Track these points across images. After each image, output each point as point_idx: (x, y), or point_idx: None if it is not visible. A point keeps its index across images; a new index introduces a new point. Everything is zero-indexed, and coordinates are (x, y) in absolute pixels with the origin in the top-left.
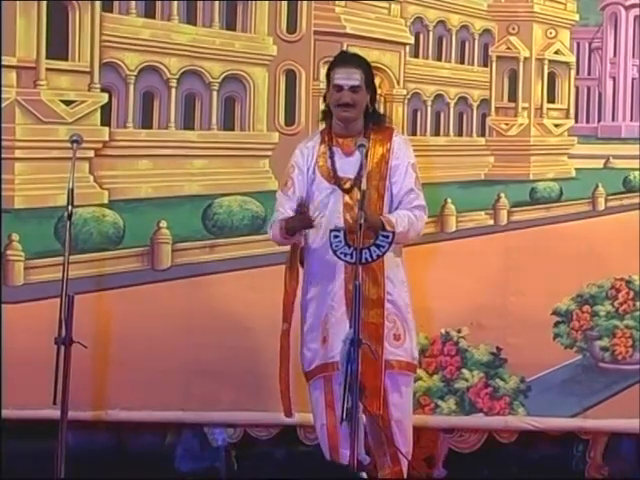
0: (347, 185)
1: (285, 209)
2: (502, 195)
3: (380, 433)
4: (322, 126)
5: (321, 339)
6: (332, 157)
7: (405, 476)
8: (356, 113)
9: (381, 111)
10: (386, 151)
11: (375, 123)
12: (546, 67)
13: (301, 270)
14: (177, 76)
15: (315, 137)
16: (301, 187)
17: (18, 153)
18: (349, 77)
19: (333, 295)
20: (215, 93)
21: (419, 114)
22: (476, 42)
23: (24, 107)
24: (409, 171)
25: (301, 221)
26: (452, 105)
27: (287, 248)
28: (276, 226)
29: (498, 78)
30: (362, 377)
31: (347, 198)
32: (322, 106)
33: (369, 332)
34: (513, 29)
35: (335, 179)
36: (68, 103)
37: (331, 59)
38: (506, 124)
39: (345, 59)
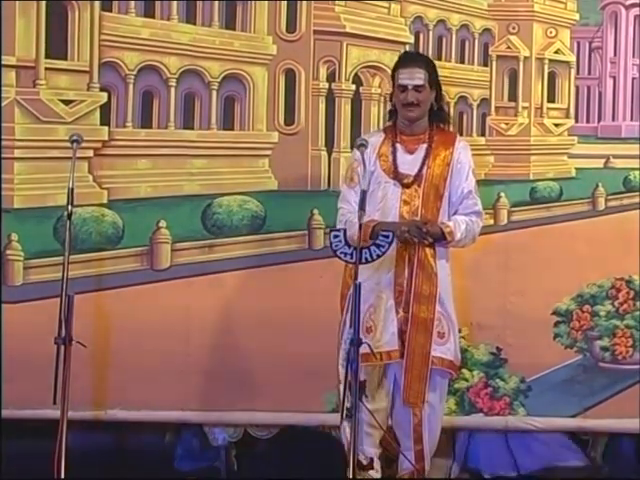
0: (407, 181)
1: (352, 204)
2: (502, 195)
3: (409, 429)
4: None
5: (364, 329)
6: (394, 153)
7: (426, 474)
8: (420, 112)
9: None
10: (449, 154)
11: (440, 122)
12: (546, 66)
13: None
14: (176, 75)
15: (379, 133)
16: (365, 182)
17: (17, 153)
18: (412, 77)
19: (383, 287)
20: (215, 92)
21: None
22: (476, 41)
23: (23, 106)
24: (470, 175)
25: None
26: (452, 104)
27: (286, 247)
28: (353, 228)
29: (498, 77)
30: (406, 369)
31: (405, 194)
32: (389, 106)
33: (418, 327)
34: (513, 28)
35: (395, 174)
36: (67, 102)
37: (330, 58)
38: (506, 124)
39: (408, 59)
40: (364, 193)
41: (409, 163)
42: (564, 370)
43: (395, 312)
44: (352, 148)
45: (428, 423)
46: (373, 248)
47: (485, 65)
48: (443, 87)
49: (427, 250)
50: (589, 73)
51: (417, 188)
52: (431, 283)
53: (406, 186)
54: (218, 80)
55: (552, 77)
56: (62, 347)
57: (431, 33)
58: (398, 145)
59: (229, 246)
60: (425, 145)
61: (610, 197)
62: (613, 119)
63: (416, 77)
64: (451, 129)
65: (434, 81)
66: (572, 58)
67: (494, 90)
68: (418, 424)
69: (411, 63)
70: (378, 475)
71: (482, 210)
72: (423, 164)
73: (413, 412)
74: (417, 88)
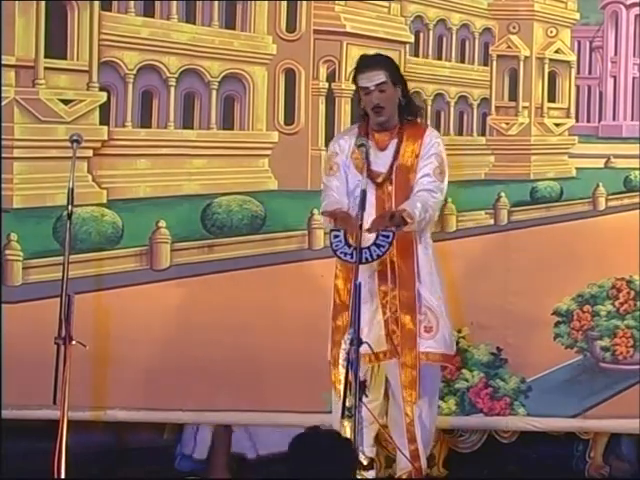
0: (379, 179)
1: (334, 191)
2: (502, 195)
3: (403, 429)
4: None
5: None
6: (366, 151)
7: (424, 473)
8: (389, 114)
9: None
10: (417, 146)
11: (410, 115)
12: (547, 66)
13: None
14: (176, 75)
15: (352, 130)
16: (345, 170)
17: (17, 152)
18: (371, 78)
19: (368, 290)
20: (214, 92)
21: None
22: (476, 41)
23: (23, 106)
24: (431, 160)
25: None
26: (452, 104)
27: (286, 247)
28: (326, 218)
29: (498, 77)
30: (399, 368)
31: (379, 192)
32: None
33: (402, 327)
34: (514, 28)
35: (368, 172)
36: (67, 102)
37: (330, 58)
38: (506, 123)
39: (365, 62)
40: (364, 193)
41: (381, 160)
42: (564, 370)
43: (382, 313)
44: None
45: (420, 422)
46: (373, 248)
47: (485, 65)
48: (444, 86)
49: (405, 251)
50: (590, 73)
51: (389, 185)
52: (409, 287)
53: (378, 185)
54: (218, 80)
55: (552, 77)
56: (62, 347)
57: (431, 32)
58: (370, 142)
59: (229, 246)
60: (396, 140)
61: (610, 197)
62: (614, 119)
63: (375, 78)
64: (428, 121)
65: (397, 78)
66: (572, 57)
67: (494, 90)
68: (410, 423)
69: (368, 67)
70: (373, 475)
71: (442, 186)
72: (394, 160)
73: (405, 412)
74: (380, 88)
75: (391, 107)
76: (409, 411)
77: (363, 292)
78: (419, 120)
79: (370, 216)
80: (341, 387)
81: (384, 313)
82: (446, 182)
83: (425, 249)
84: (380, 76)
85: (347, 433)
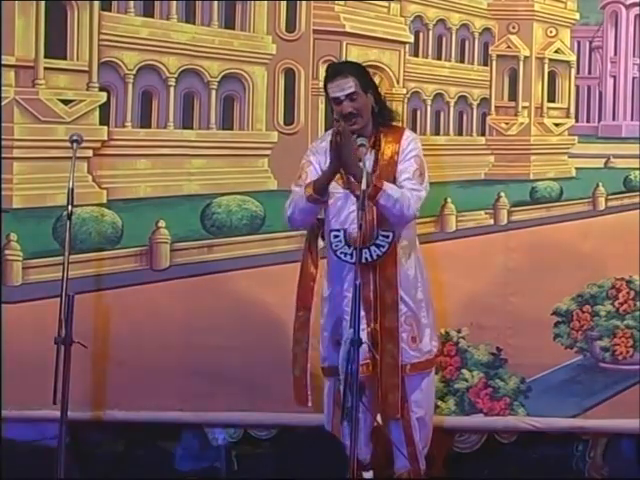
0: (359, 192)
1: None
2: (502, 195)
3: (399, 432)
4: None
5: (334, 341)
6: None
7: (423, 473)
8: (362, 122)
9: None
10: (395, 152)
11: (384, 120)
12: (546, 66)
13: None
14: (176, 75)
15: (328, 138)
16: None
17: (16, 152)
18: (342, 88)
19: (347, 298)
20: (214, 92)
21: (419, 113)
22: (476, 41)
23: (22, 106)
24: (410, 162)
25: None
26: (452, 104)
27: (286, 247)
28: (300, 198)
29: (498, 77)
30: (382, 381)
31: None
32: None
33: (386, 336)
34: (513, 28)
35: (347, 184)
36: (66, 102)
37: (330, 58)
38: (506, 123)
39: (334, 71)
40: (364, 192)
41: None
42: (564, 370)
43: (366, 324)
44: None
45: (417, 424)
46: (373, 248)
47: (485, 64)
48: (443, 86)
49: (387, 259)
50: (589, 72)
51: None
52: (392, 289)
53: (358, 196)
54: (217, 80)
55: (552, 77)
56: (62, 347)
57: (431, 32)
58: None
59: (228, 246)
60: (373, 151)
61: (610, 197)
62: (613, 119)
63: (346, 87)
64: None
65: (368, 85)
66: (572, 57)
67: (494, 90)
68: (407, 426)
69: (337, 76)
70: (371, 475)
71: (422, 188)
72: (373, 172)
73: (401, 414)
74: (351, 97)
75: (365, 115)
76: (404, 414)
77: (347, 303)
78: (395, 123)
79: (351, 229)
80: (341, 387)
81: (368, 324)
82: (426, 183)
83: (404, 252)
84: (350, 85)
85: (347, 433)
